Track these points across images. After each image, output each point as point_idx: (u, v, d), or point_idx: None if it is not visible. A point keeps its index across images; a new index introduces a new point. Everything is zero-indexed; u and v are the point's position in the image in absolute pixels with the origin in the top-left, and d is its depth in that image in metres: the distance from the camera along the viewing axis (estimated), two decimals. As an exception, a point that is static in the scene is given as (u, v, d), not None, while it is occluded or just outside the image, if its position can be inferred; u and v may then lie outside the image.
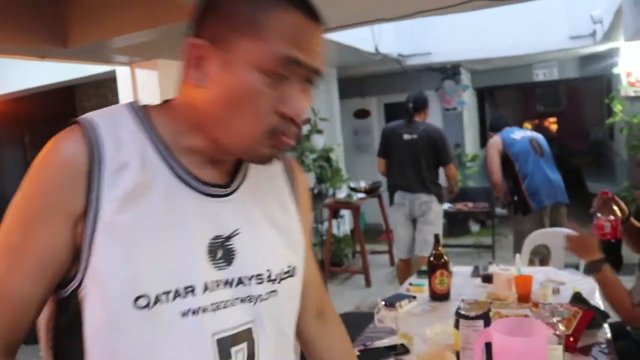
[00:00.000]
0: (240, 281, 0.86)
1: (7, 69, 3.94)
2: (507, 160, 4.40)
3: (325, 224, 6.09)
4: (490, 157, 4.51)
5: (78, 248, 0.78)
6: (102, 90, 6.09)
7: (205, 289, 0.82)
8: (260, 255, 0.90)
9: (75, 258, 0.79)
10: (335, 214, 6.03)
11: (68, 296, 0.80)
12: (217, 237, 0.85)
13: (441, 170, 4.60)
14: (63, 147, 0.79)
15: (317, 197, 6.11)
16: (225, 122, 0.82)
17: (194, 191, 0.84)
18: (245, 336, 0.86)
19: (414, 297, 2.55)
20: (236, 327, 0.85)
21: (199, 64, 0.81)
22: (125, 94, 3.83)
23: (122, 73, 3.82)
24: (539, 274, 2.70)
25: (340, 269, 6.09)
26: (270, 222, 0.93)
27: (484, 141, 9.66)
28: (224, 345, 0.83)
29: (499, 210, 6.84)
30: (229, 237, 0.86)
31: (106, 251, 0.76)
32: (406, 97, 4.62)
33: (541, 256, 3.90)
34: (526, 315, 2.12)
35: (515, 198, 4.39)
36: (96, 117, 0.82)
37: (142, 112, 0.86)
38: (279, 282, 0.91)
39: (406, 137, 4.47)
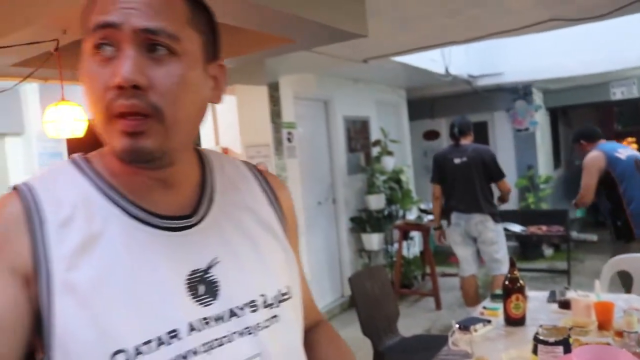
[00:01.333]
0: (232, 313, 0.79)
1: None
2: (609, 181, 4.03)
3: (395, 246, 6.08)
4: (589, 175, 4.08)
5: (38, 315, 0.71)
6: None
7: (192, 329, 0.75)
8: (248, 281, 0.83)
9: (38, 330, 0.71)
10: (405, 236, 6.01)
11: None
12: (194, 272, 0.78)
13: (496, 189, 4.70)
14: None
15: (388, 219, 6.13)
16: (94, 122, 0.77)
17: (154, 228, 0.78)
18: None
19: (489, 321, 2.52)
20: None
21: None
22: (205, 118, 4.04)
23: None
24: (619, 301, 2.61)
25: (409, 291, 6.05)
26: (253, 243, 0.86)
27: (557, 162, 9.40)
28: None
29: (574, 234, 6.62)
30: (207, 269, 0.80)
31: (69, 314, 0.70)
32: (450, 123, 4.83)
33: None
34: (608, 344, 2.07)
35: (619, 223, 4.04)
36: (31, 180, 0.78)
37: (84, 163, 0.81)
38: (277, 306, 0.84)
39: (457, 160, 4.64)
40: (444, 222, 4.89)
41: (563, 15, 3.57)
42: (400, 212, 6.31)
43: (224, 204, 0.87)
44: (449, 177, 4.68)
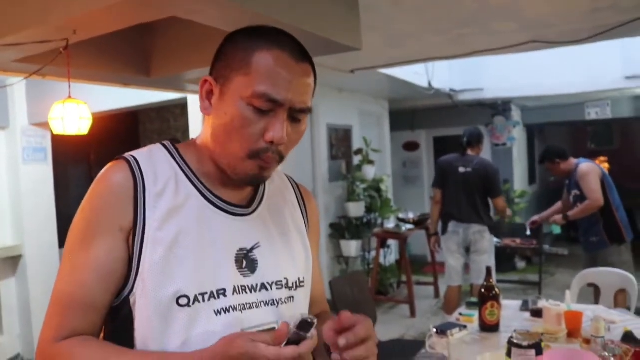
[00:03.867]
0: (263, 286, 1.02)
1: (87, 93, 4.27)
2: (602, 190, 4.27)
3: (373, 253, 6.19)
4: (593, 181, 4.24)
5: (130, 260, 0.95)
6: (165, 115, 6.42)
7: (234, 291, 0.98)
8: (278, 265, 1.05)
9: (127, 270, 0.95)
10: (382, 244, 6.12)
11: (120, 303, 0.96)
12: (241, 250, 1.01)
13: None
14: (113, 175, 0.97)
15: (366, 226, 6.23)
16: (220, 144, 0.99)
17: (220, 211, 1.01)
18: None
19: (465, 327, 2.63)
20: (262, 326, 0.98)
21: (208, 97, 1.01)
22: (195, 117, 4.14)
23: (193, 100, 4.11)
24: (587, 311, 2.74)
25: (385, 298, 6.16)
26: (286, 239, 1.10)
27: (532, 178, 9.61)
28: None
29: (546, 248, 6.78)
30: (251, 250, 1.03)
31: (153, 261, 0.93)
32: (463, 132, 4.86)
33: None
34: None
35: (613, 229, 4.27)
36: (136, 154, 1.01)
37: (173, 148, 1.05)
38: (295, 290, 1.07)
39: (461, 170, 4.70)
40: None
41: (544, 37, 3.72)
42: (379, 221, 6.42)
43: (271, 204, 1.11)
44: (451, 184, 4.74)
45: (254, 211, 1.07)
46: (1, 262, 4.93)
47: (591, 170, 4.30)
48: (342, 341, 0.89)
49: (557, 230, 4.76)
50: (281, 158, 1.00)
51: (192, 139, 1.10)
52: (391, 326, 5.33)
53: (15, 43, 2.09)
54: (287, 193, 1.17)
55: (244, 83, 0.95)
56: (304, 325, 0.88)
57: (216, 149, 1.00)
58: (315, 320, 0.89)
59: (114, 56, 3.04)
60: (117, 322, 0.98)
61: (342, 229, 6.11)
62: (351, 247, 6.00)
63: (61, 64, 2.30)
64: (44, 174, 5.10)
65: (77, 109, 2.47)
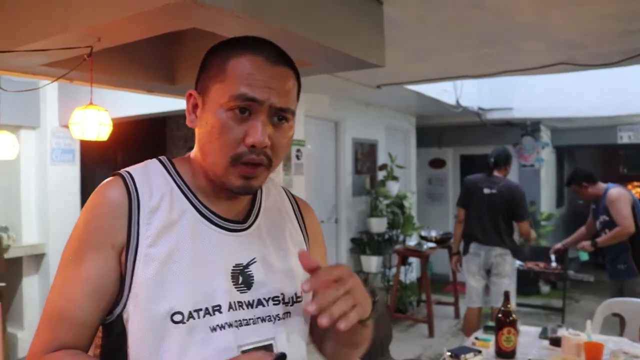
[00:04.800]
0: (259, 302, 1.01)
1: (115, 98, 4.33)
2: (633, 216, 4.17)
3: (393, 270, 6.12)
4: (625, 207, 4.17)
5: (122, 277, 0.94)
6: (192, 122, 6.49)
7: (230, 308, 0.96)
8: (274, 281, 1.04)
9: (120, 286, 0.95)
10: (403, 261, 6.05)
11: (113, 320, 0.96)
12: (237, 265, 1.00)
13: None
14: (108, 193, 0.97)
15: (388, 242, 6.17)
16: (206, 154, 0.99)
17: (215, 227, 1.01)
18: (267, 350, 1.00)
19: (480, 352, 2.57)
20: (259, 342, 0.98)
21: (194, 110, 1.01)
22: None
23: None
24: (610, 343, 2.65)
25: (404, 316, 6.08)
26: (282, 253, 1.08)
27: (560, 200, 9.44)
28: None
29: (571, 273, 6.62)
30: (247, 265, 1.02)
31: (146, 277, 0.92)
32: (490, 151, 4.78)
33: None
34: (594, 383, 2.11)
35: None
36: (132, 170, 1.01)
37: (169, 163, 1.05)
38: (292, 305, 1.05)
39: (486, 191, 4.62)
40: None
41: (574, 59, 3.65)
42: (401, 237, 6.36)
43: (267, 219, 1.10)
44: (475, 205, 4.66)
45: (250, 226, 1.06)
46: (26, 259, 5.02)
47: (621, 196, 4.21)
48: (305, 286, 0.89)
49: (584, 257, 4.64)
50: (269, 162, 0.98)
51: (188, 153, 1.09)
52: (408, 345, 5.25)
53: (41, 49, 2.13)
54: (284, 207, 1.16)
55: (220, 90, 0.96)
56: None
57: (203, 161, 1.01)
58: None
59: (139, 63, 3.08)
60: (111, 339, 0.98)
61: (363, 244, 6.07)
62: (371, 263, 5.96)
63: (87, 69, 2.34)
64: (71, 174, 5.19)
65: (97, 115, 2.50)
